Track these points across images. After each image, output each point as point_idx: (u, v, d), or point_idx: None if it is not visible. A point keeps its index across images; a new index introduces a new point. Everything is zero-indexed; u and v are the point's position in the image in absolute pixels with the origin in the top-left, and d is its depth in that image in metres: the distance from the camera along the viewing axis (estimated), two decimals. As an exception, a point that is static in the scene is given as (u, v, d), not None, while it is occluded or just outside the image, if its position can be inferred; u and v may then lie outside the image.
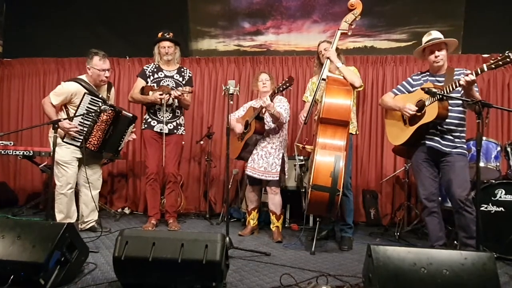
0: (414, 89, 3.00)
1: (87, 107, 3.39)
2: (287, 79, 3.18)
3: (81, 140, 3.40)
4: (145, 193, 4.11)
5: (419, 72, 3.12)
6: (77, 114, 3.36)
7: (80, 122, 3.40)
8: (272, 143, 3.63)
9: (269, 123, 3.62)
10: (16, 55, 5.44)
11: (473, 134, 2.61)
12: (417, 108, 2.82)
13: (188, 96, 3.84)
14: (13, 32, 5.47)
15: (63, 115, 3.48)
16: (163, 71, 3.88)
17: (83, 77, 3.57)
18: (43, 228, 2.24)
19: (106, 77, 3.55)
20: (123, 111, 3.59)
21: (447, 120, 2.75)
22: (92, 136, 3.41)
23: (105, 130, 3.46)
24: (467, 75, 2.51)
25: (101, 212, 4.03)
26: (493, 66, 2.33)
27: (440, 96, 2.61)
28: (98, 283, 2.27)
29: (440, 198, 3.25)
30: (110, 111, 3.45)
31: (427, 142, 2.86)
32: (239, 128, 3.70)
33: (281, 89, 3.19)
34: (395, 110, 3.04)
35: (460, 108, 2.82)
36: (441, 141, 2.80)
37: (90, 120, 3.41)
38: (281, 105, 3.61)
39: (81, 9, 5.26)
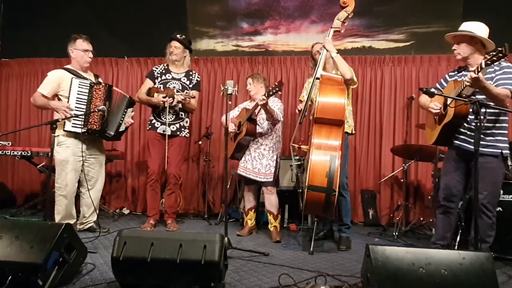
0: None
1: (78, 90, 3.39)
2: (277, 83, 3.22)
3: (82, 125, 3.37)
4: (145, 193, 4.11)
5: (456, 68, 2.97)
6: (70, 98, 3.36)
7: (75, 107, 3.37)
8: (265, 144, 3.65)
9: (262, 124, 3.65)
10: (14, 55, 5.42)
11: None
12: (440, 106, 2.74)
13: (193, 100, 3.84)
14: (11, 32, 5.45)
15: (56, 115, 3.43)
16: (171, 73, 3.90)
17: (68, 66, 3.59)
18: (41, 229, 2.23)
19: (90, 57, 3.56)
20: (119, 90, 3.63)
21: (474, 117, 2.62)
22: (91, 117, 3.39)
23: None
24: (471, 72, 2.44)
25: (99, 213, 4.01)
26: (489, 62, 2.32)
27: (442, 96, 2.59)
28: (96, 284, 2.27)
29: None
30: (101, 87, 3.45)
31: (455, 141, 2.79)
32: (231, 126, 3.72)
33: (270, 93, 3.24)
34: (425, 109, 2.98)
35: (492, 105, 2.60)
36: (468, 139, 2.72)
37: (85, 102, 3.39)
38: (274, 105, 3.63)
39: (80, 9, 5.25)
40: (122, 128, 3.65)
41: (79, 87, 3.40)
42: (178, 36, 3.88)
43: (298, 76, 4.84)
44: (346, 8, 3.16)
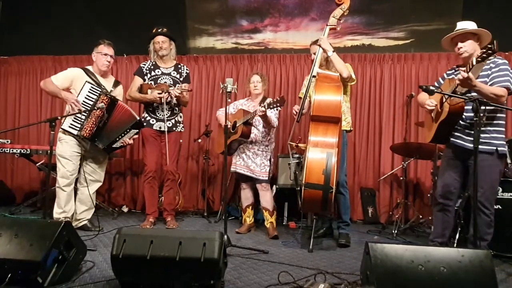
0: None
1: (87, 95, 3.40)
2: (279, 99, 3.23)
3: (78, 128, 3.39)
4: (143, 191, 4.10)
5: (454, 66, 2.97)
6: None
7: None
8: (259, 145, 3.68)
9: (258, 126, 3.67)
10: (13, 53, 5.41)
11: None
12: (436, 103, 2.75)
13: (186, 93, 3.83)
14: (10, 29, 5.44)
15: (67, 107, 3.47)
16: (160, 68, 3.86)
17: (89, 67, 3.62)
18: (41, 227, 2.23)
19: (108, 61, 3.57)
20: (128, 107, 3.57)
21: (469, 115, 2.61)
22: (87, 122, 3.40)
23: (99, 117, 3.42)
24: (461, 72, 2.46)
25: (99, 210, 4.02)
26: (479, 59, 2.32)
27: (438, 94, 2.59)
28: (96, 281, 2.27)
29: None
30: (106, 98, 3.43)
31: (451, 139, 2.79)
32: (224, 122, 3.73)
33: (271, 106, 3.26)
34: (423, 107, 2.98)
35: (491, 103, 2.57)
36: (464, 137, 2.71)
37: (88, 107, 3.39)
38: (271, 111, 3.63)
39: (78, 6, 5.24)
40: (116, 145, 3.57)
41: (89, 91, 3.42)
42: (159, 30, 3.83)
43: (298, 74, 4.84)
44: (341, 6, 3.16)
